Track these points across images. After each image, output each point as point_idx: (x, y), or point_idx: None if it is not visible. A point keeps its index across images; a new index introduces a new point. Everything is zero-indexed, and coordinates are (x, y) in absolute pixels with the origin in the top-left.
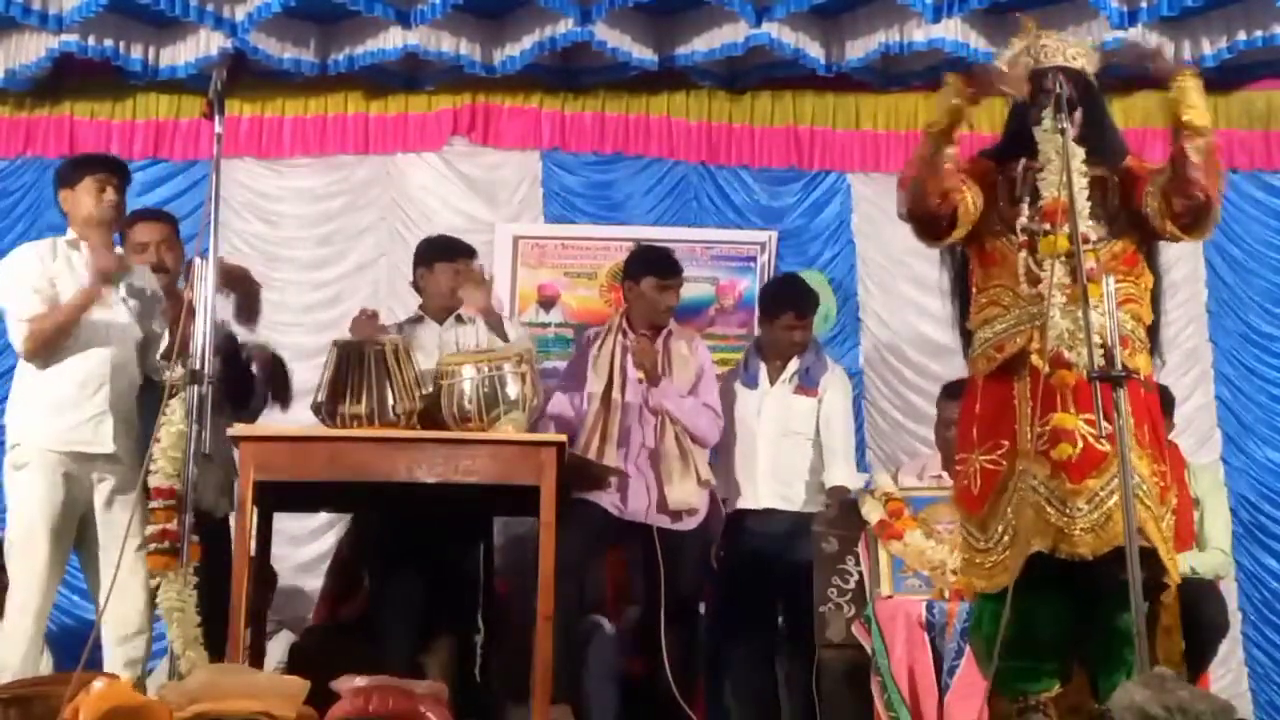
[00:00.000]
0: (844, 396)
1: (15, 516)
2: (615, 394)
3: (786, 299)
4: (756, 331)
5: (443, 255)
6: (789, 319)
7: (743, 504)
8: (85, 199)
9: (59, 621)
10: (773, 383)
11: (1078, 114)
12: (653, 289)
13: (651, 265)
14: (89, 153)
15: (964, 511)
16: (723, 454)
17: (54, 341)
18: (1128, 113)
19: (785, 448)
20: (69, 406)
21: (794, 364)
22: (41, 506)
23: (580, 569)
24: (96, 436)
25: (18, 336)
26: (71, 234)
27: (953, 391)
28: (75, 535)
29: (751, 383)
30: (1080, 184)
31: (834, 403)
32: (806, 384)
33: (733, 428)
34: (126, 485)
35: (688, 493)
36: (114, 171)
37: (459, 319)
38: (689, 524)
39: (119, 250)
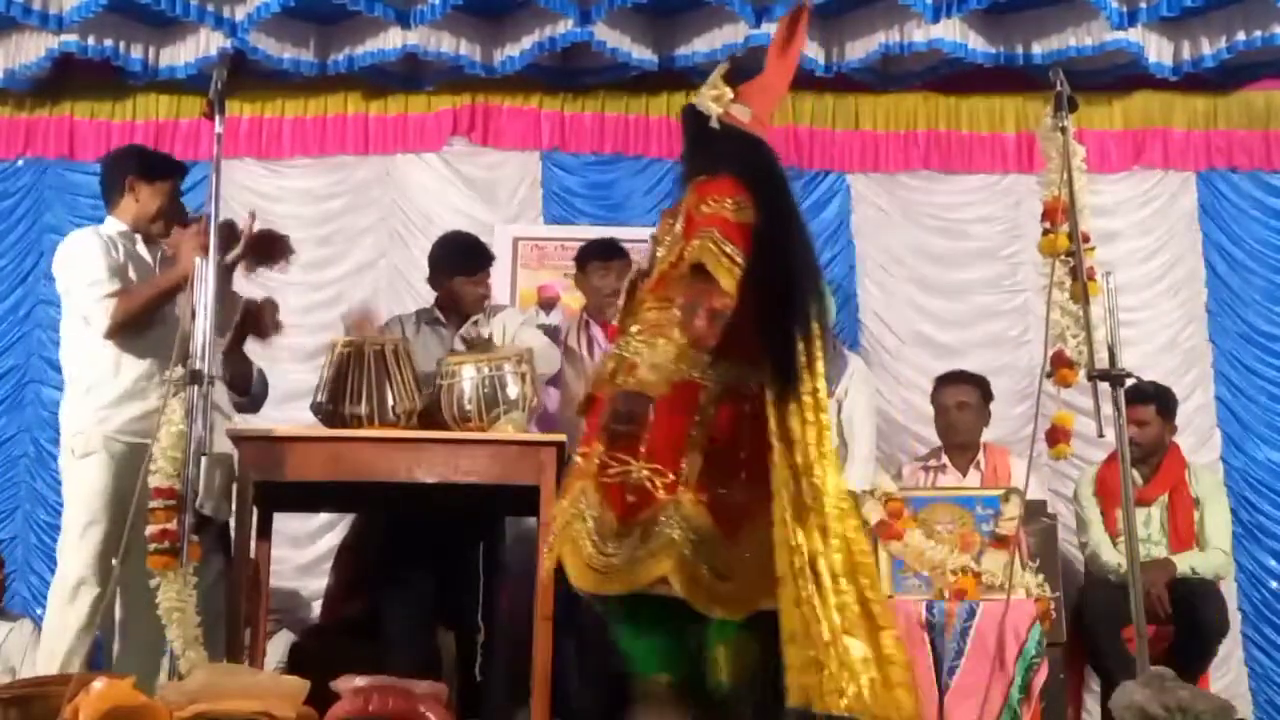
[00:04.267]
0: (868, 396)
1: (76, 503)
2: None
3: None
4: None
5: (462, 269)
6: None
7: None
8: (161, 200)
9: None
10: None
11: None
12: (595, 273)
13: (593, 250)
14: (168, 155)
15: None
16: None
17: (139, 319)
18: (1128, 113)
19: None
20: (133, 397)
21: None
22: (105, 493)
23: None
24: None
25: (100, 312)
26: (120, 225)
27: (947, 379)
28: None
29: None
30: (1080, 180)
31: (858, 402)
32: None
33: None
34: None
35: None
36: (183, 177)
37: (475, 323)
38: None
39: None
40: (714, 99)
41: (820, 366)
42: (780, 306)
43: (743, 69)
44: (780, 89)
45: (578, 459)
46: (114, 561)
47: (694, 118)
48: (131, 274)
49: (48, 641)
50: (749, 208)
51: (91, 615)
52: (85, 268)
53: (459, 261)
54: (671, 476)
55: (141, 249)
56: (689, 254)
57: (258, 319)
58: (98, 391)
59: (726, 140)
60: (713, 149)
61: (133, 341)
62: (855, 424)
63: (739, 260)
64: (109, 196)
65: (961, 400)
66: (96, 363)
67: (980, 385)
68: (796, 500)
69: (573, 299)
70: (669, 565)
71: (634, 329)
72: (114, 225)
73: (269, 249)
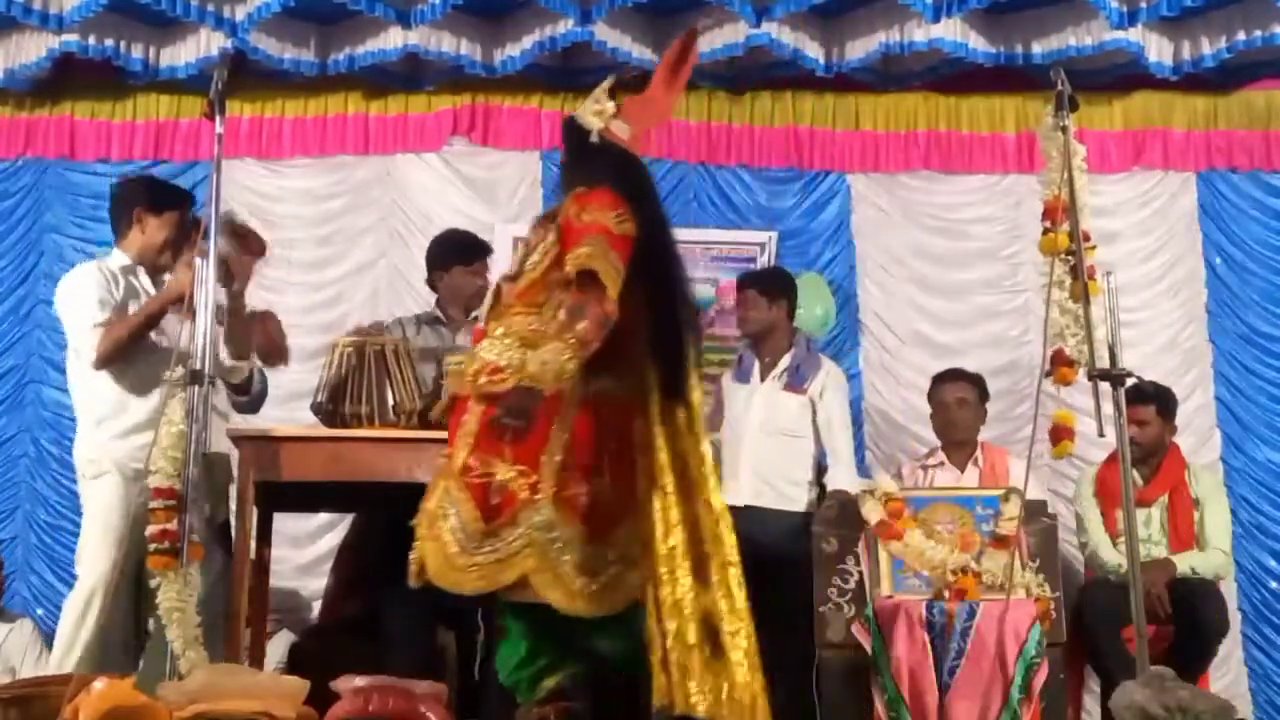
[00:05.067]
0: (843, 396)
1: (92, 519)
2: None
3: (740, 281)
4: None
5: (459, 259)
6: (739, 297)
7: (727, 500)
8: (167, 231)
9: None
10: (763, 379)
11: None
12: None
13: None
14: (176, 186)
15: None
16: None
17: (126, 348)
18: (1128, 113)
19: (771, 445)
20: (142, 429)
21: (785, 360)
22: (115, 510)
23: None
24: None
25: (88, 344)
26: (124, 258)
27: (945, 377)
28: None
29: (744, 378)
30: (1080, 180)
31: (833, 403)
32: (795, 382)
33: (721, 423)
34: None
35: None
36: (185, 208)
37: (476, 320)
38: None
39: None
40: (596, 114)
41: (696, 385)
42: (674, 323)
43: (626, 84)
44: (665, 111)
45: (441, 460)
46: (150, 581)
47: (574, 132)
48: (131, 309)
49: (59, 652)
50: (629, 221)
51: (102, 628)
52: (78, 301)
53: (456, 252)
54: (535, 478)
55: (144, 281)
56: (574, 260)
57: (266, 337)
58: (108, 425)
59: (606, 155)
60: (593, 162)
61: (137, 377)
62: (834, 426)
63: (620, 270)
64: (116, 228)
65: (960, 397)
66: (103, 399)
67: (977, 383)
68: (683, 509)
69: None
70: (531, 564)
71: (498, 331)
72: (119, 258)
73: (248, 246)
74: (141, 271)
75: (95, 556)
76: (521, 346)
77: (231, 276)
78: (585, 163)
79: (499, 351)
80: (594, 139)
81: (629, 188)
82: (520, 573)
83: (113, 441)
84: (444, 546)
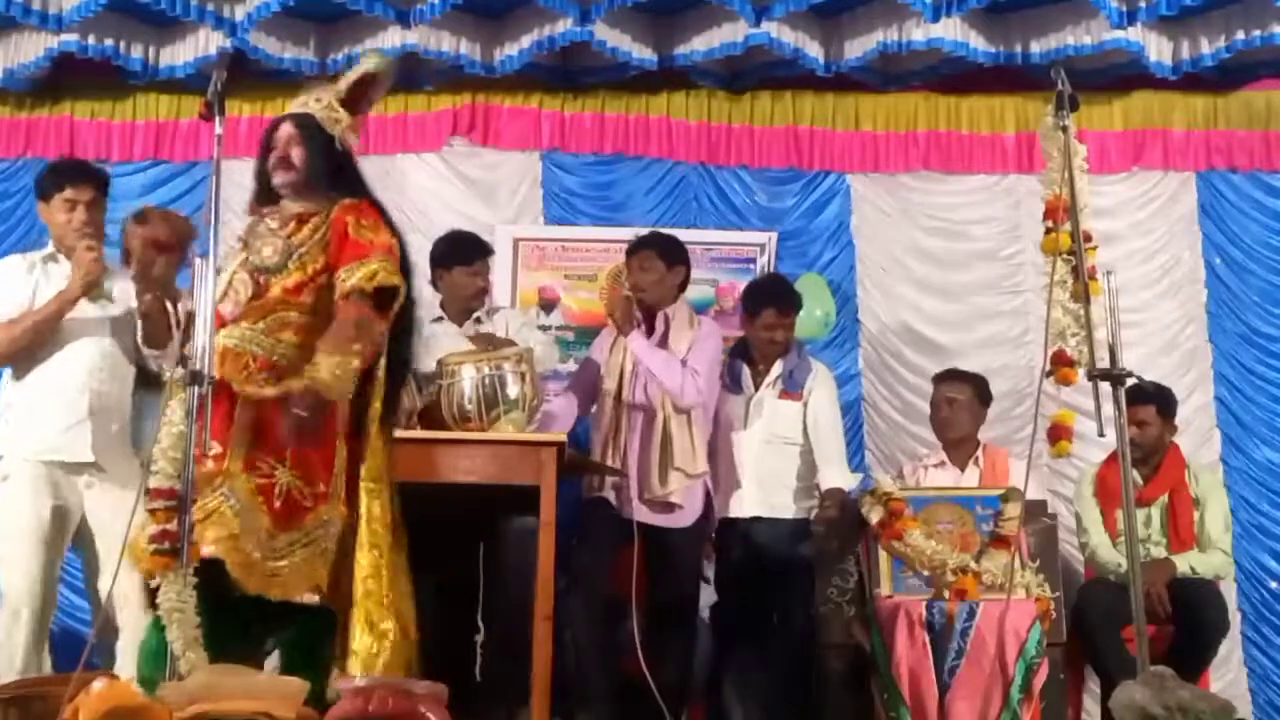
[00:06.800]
0: (830, 395)
1: (3, 529)
2: (624, 393)
3: (768, 295)
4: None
5: (460, 259)
6: (769, 316)
7: (729, 512)
8: (57, 216)
9: (59, 622)
10: (757, 388)
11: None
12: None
13: (628, 247)
14: (66, 160)
15: None
16: (709, 460)
17: (23, 347)
18: (1128, 113)
19: (770, 455)
20: (48, 415)
21: (778, 367)
22: (26, 517)
23: (596, 571)
24: (75, 445)
25: None
26: (50, 247)
27: (943, 377)
28: (74, 539)
29: (736, 388)
30: (1081, 180)
31: (820, 402)
32: (790, 388)
33: (718, 434)
34: (122, 486)
35: (668, 484)
36: (84, 186)
37: (478, 320)
38: (679, 520)
39: (103, 259)
40: (334, 121)
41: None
42: (408, 341)
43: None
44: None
45: (209, 460)
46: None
47: (321, 132)
48: (42, 298)
49: (3, 665)
50: (396, 239)
51: (35, 633)
52: None
53: (456, 253)
54: (322, 488)
55: (54, 272)
56: (367, 275)
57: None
58: (13, 415)
59: (353, 166)
60: (346, 171)
61: (41, 362)
62: (821, 424)
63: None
64: None
65: (950, 396)
66: (10, 386)
67: (974, 383)
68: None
69: (573, 300)
70: (321, 572)
71: (259, 325)
72: (48, 247)
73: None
74: (60, 259)
75: (11, 569)
76: (299, 347)
77: (129, 264)
78: (337, 168)
79: (268, 347)
80: (338, 146)
81: (378, 204)
82: (317, 581)
83: (22, 431)
84: (240, 547)
